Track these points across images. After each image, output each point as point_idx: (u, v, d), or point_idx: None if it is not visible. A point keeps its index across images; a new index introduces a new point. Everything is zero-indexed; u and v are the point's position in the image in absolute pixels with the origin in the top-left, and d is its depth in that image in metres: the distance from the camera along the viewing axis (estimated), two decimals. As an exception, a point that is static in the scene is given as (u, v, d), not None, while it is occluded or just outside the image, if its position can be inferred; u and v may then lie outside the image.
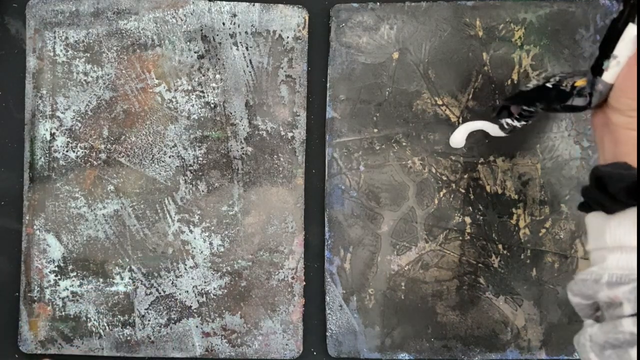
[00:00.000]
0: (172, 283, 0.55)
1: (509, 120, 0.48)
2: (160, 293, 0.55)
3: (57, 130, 0.55)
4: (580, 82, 0.41)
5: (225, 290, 0.55)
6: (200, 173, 0.55)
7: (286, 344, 0.55)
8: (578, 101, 0.42)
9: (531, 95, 0.45)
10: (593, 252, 0.40)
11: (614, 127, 0.40)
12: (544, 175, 0.55)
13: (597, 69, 0.40)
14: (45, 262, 0.54)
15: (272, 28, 0.55)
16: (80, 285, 0.55)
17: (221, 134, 0.55)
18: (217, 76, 0.55)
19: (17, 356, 0.55)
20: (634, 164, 0.38)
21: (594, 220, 0.40)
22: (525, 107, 0.46)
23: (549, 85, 0.44)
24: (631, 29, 0.38)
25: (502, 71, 0.55)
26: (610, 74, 0.40)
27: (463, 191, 0.55)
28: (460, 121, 0.56)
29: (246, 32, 0.55)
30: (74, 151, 0.55)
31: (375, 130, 0.56)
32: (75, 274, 0.55)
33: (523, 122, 0.48)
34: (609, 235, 0.38)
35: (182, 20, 0.55)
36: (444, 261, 0.55)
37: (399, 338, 0.55)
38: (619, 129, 0.39)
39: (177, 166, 0.55)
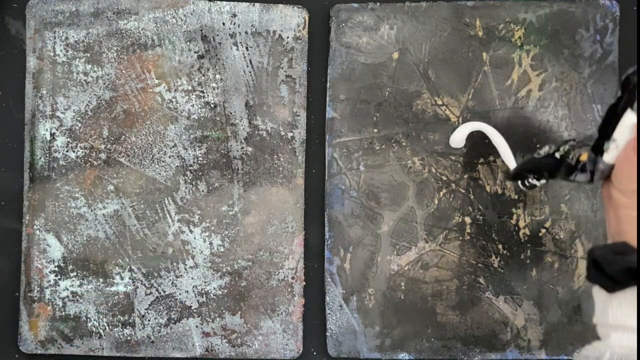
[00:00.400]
0: (172, 283, 0.55)
1: (529, 180, 0.50)
2: (160, 293, 0.55)
3: (57, 130, 0.55)
4: (585, 157, 0.43)
5: (225, 290, 0.55)
6: (200, 173, 0.55)
7: (286, 344, 0.55)
8: (580, 177, 0.43)
9: (540, 166, 0.47)
10: (598, 326, 0.41)
11: (615, 204, 0.40)
12: (544, 175, 0.55)
13: (598, 149, 0.41)
14: (45, 262, 0.54)
15: (272, 28, 0.55)
16: (80, 285, 0.55)
17: (221, 134, 0.55)
18: (217, 76, 0.55)
19: (17, 356, 0.55)
20: (634, 242, 0.39)
21: (598, 294, 0.40)
22: (535, 176, 0.49)
23: (557, 156, 0.45)
24: (629, 115, 0.39)
25: (502, 71, 0.55)
26: (610, 156, 0.41)
27: (463, 191, 0.55)
28: (460, 121, 0.56)
29: (246, 32, 0.55)
30: (74, 151, 0.55)
31: (375, 130, 0.56)
32: (75, 274, 0.55)
33: (543, 181, 0.49)
34: (611, 314, 0.39)
35: (182, 20, 0.55)
36: (444, 261, 0.55)
37: (398, 338, 0.55)
38: (620, 207, 0.40)
39: (177, 166, 0.55)
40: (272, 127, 0.55)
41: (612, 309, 0.39)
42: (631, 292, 0.38)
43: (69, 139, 0.55)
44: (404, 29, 0.55)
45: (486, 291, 0.55)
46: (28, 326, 0.54)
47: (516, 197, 0.55)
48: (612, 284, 0.39)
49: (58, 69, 0.55)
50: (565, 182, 0.55)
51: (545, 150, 0.46)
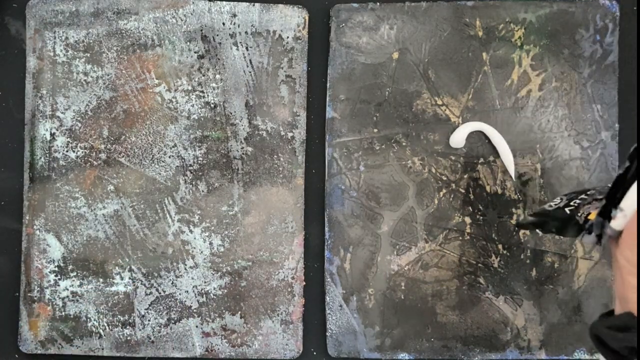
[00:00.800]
0: (172, 283, 0.55)
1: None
2: (160, 293, 0.55)
3: (57, 130, 0.55)
4: (593, 216, 0.42)
5: (225, 290, 0.55)
6: (200, 173, 0.55)
7: (286, 344, 0.55)
8: (588, 239, 0.42)
9: (549, 219, 0.46)
10: None
11: (621, 269, 0.40)
12: (544, 175, 0.55)
13: (606, 214, 0.41)
14: (45, 262, 0.54)
15: (272, 28, 0.55)
16: (80, 285, 0.55)
17: (221, 134, 0.55)
18: (217, 76, 0.55)
19: (17, 356, 0.55)
20: (636, 310, 0.38)
21: None
22: (541, 229, 0.47)
23: (567, 210, 0.44)
24: (635, 189, 0.39)
25: (502, 71, 0.55)
26: (617, 223, 0.40)
27: (463, 191, 0.55)
28: (460, 121, 0.56)
29: (246, 32, 0.55)
30: (74, 151, 0.55)
31: (375, 130, 0.56)
32: (75, 274, 0.55)
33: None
34: None
35: (182, 20, 0.55)
36: (444, 261, 0.55)
37: (398, 338, 0.55)
38: (625, 273, 0.39)
39: (177, 166, 0.55)
40: (272, 127, 0.55)
41: None
42: None
43: (69, 139, 0.55)
44: (404, 29, 0.55)
45: (486, 291, 0.55)
46: (28, 326, 0.54)
47: (516, 197, 0.55)
48: (616, 358, 0.38)
49: (58, 69, 0.55)
50: (564, 180, 0.55)
51: (556, 202, 0.45)
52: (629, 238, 0.39)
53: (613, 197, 0.40)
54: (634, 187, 0.39)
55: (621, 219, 0.40)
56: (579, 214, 0.43)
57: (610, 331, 0.38)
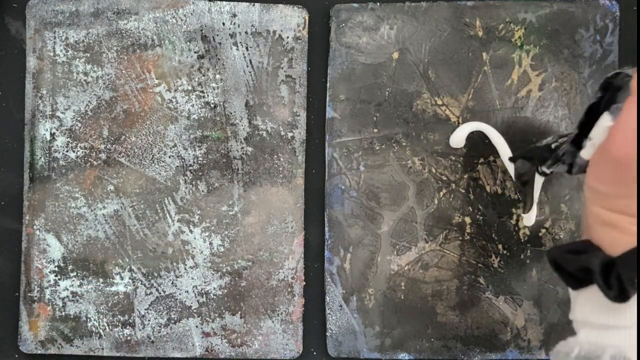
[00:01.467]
0: (172, 283, 0.55)
1: (520, 172, 0.49)
2: (160, 293, 0.55)
3: (57, 130, 0.55)
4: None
5: (225, 290, 0.55)
6: (200, 173, 0.55)
7: (286, 344, 0.55)
8: (560, 168, 0.43)
9: (535, 151, 0.47)
10: (573, 322, 0.41)
11: (586, 198, 0.41)
12: (544, 175, 0.55)
13: (577, 144, 0.41)
14: (45, 262, 0.54)
15: (272, 28, 0.55)
16: (80, 285, 0.55)
17: (221, 134, 0.55)
18: (217, 76, 0.55)
19: (17, 356, 0.55)
20: (597, 240, 0.39)
21: (569, 291, 0.41)
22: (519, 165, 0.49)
23: (552, 146, 0.45)
24: (605, 117, 0.39)
25: (502, 71, 0.55)
26: (586, 152, 0.41)
27: (463, 191, 0.55)
28: (460, 121, 0.56)
29: (246, 32, 0.55)
30: (74, 151, 0.55)
31: (375, 130, 0.56)
32: (75, 274, 0.55)
33: (539, 179, 0.48)
34: (578, 311, 0.39)
35: (182, 20, 0.55)
36: (444, 261, 0.55)
37: (398, 338, 0.55)
38: (588, 201, 0.40)
39: (177, 166, 0.55)
40: (272, 127, 0.55)
41: (579, 306, 0.39)
42: (594, 289, 0.38)
43: (69, 139, 0.55)
44: (404, 29, 0.55)
45: (486, 291, 0.55)
46: (28, 326, 0.54)
47: (516, 197, 0.55)
48: (574, 282, 0.39)
49: (58, 69, 0.55)
50: (564, 180, 0.55)
51: (547, 140, 0.47)
52: (594, 167, 0.39)
53: (585, 127, 0.41)
54: (604, 116, 0.39)
55: (589, 148, 0.40)
56: (560, 149, 0.44)
57: (565, 254, 0.39)
